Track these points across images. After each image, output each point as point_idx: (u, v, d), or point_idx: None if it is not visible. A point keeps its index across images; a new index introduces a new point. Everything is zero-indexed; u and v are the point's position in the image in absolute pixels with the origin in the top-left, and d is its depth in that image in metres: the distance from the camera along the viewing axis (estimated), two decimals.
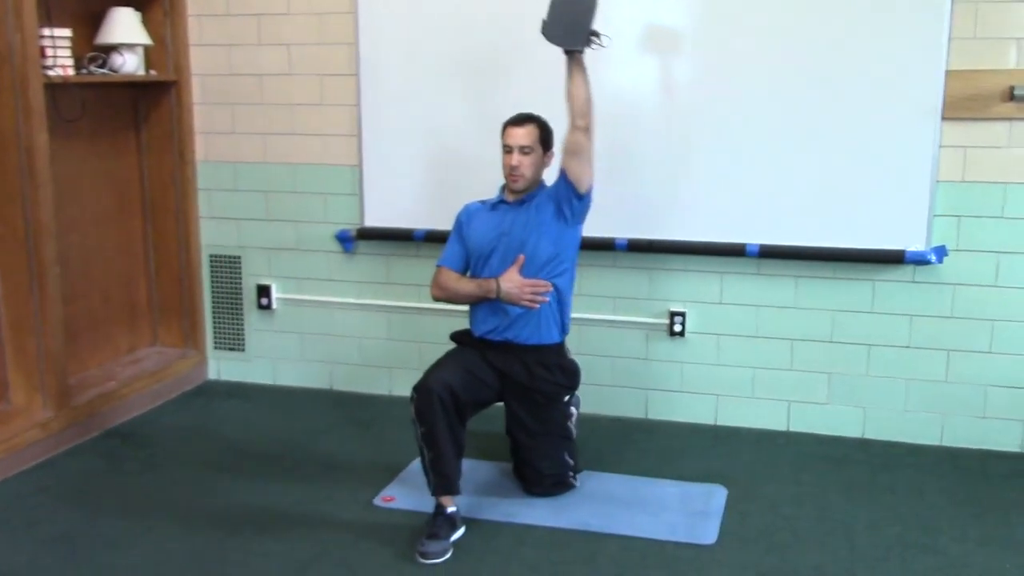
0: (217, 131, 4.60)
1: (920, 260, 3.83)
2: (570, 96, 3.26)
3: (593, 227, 3.98)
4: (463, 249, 3.47)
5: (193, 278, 4.72)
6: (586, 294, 4.24)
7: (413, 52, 4.24)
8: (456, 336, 3.52)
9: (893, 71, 3.75)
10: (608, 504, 3.44)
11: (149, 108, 4.58)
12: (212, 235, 4.71)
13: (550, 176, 3.48)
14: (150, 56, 4.45)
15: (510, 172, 3.35)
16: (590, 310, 4.26)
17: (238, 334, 4.77)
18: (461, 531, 3.17)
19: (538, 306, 3.33)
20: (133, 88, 4.53)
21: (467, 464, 3.66)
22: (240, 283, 4.73)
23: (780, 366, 4.12)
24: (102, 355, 4.51)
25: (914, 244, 3.84)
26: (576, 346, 4.22)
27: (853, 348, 4.03)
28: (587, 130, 3.25)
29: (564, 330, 3.46)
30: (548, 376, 3.38)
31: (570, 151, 3.29)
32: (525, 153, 3.32)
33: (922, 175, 3.79)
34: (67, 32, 3.87)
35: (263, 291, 4.68)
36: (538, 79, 4.00)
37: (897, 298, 3.94)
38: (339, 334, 4.63)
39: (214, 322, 4.80)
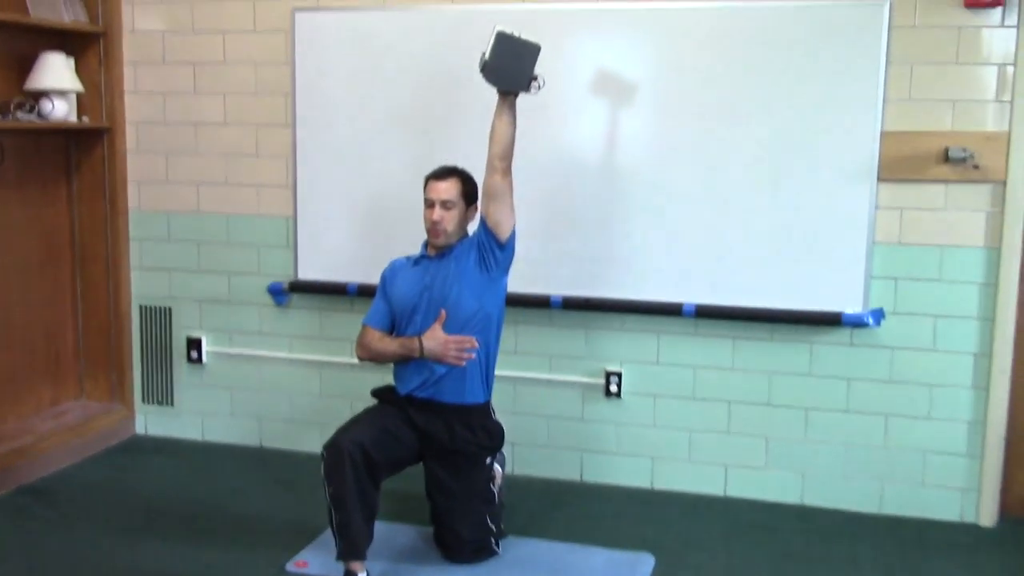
0: (151, 180, 4.51)
1: (857, 323, 3.76)
2: (495, 135, 3.20)
3: (528, 283, 3.96)
4: (388, 307, 3.37)
5: (122, 330, 4.59)
6: (521, 352, 4.15)
7: (349, 104, 4.17)
8: (377, 393, 3.41)
9: (828, 132, 3.71)
10: (530, 572, 3.31)
11: (81, 155, 4.49)
12: (143, 286, 4.60)
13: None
14: (83, 102, 4.37)
15: (432, 227, 3.27)
16: (525, 368, 4.16)
17: (167, 388, 4.64)
18: None
19: (464, 363, 3.22)
20: (65, 135, 4.44)
21: (386, 527, 3.55)
22: (170, 336, 4.60)
23: (717, 429, 4.02)
24: (23, 408, 4.36)
25: (851, 306, 3.77)
26: (511, 405, 4.15)
27: (791, 411, 3.93)
28: (506, 171, 3.20)
29: (489, 389, 3.35)
30: (471, 437, 3.26)
31: (489, 194, 3.22)
32: (447, 208, 3.25)
33: (859, 237, 3.74)
34: None
35: (193, 344, 4.55)
36: (474, 135, 3.94)
37: (835, 361, 3.86)
38: (270, 389, 4.50)
39: (143, 375, 4.66)
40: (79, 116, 4.34)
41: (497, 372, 4.04)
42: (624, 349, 4.06)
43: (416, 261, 3.38)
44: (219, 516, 3.76)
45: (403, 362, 3.31)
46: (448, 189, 3.26)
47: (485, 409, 3.35)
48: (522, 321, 4.11)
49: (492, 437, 3.33)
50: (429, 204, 3.28)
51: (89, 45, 4.37)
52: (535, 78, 3.24)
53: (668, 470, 4.09)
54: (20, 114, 4.03)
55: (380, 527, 3.56)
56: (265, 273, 4.42)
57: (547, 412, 4.18)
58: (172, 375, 4.62)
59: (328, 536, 3.46)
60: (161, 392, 4.65)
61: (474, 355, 3.24)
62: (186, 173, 4.46)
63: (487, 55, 3.21)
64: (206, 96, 4.38)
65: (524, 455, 4.21)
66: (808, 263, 3.79)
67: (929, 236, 3.71)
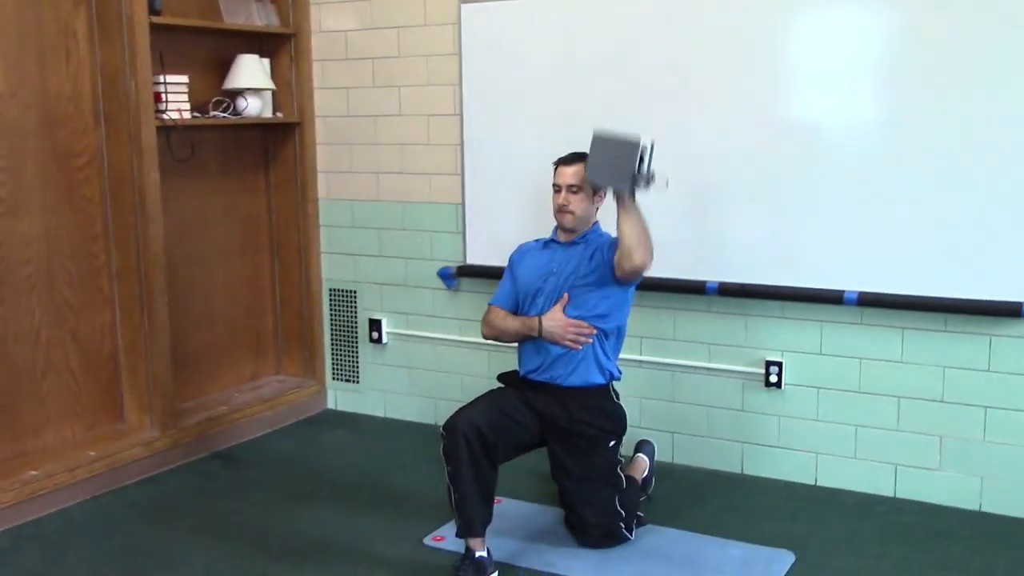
0: (337, 170, 4.80)
1: None
2: (619, 235, 3.13)
3: (683, 269, 3.93)
4: (514, 288, 3.43)
5: (313, 311, 4.92)
6: (680, 339, 4.08)
7: (514, 92, 4.24)
8: (502, 377, 3.47)
9: (1006, 102, 3.37)
10: (659, 562, 3.26)
11: (276, 148, 4.84)
12: (332, 270, 4.90)
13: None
14: (278, 99, 4.71)
15: (559, 210, 3.30)
16: (684, 356, 4.08)
17: (353, 366, 4.92)
18: None
19: (580, 347, 3.22)
20: (263, 129, 4.80)
21: (529, 507, 3.64)
22: (356, 317, 4.88)
23: (886, 425, 3.76)
24: (225, 381, 4.77)
25: None
26: (670, 393, 4.11)
27: (968, 410, 3.62)
28: (636, 270, 3.14)
29: (610, 375, 3.33)
30: (588, 419, 3.25)
31: (619, 264, 3.16)
32: (573, 192, 3.26)
33: None
34: (183, 79, 4.16)
35: (374, 325, 4.80)
36: (639, 120, 3.91)
37: (1018, 356, 3.51)
38: (443, 370, 4.67)
39: (332, 354, 4.97)
40: (274, 111, 4.68)
41: (655, 359, 4.11)
42: (785, 338, 3.89)
43: (545, 244, 3.42)
44: (380, 488, 3.96)
45: (523, 343, 3.35)
46: (575, 174, 3.27)
47: (604, 392, 3.33)
48: (681, 307, 4.03)
49: (611, 420, 3.30)
50: (556, 189, 3.31)
51: (281, 46, 4.70)
52: (642, 175, 3.08)
53: (833, 466, 3.88)
54: (216, 112, 4.40)
55: (521, 507, 3.68)
56: (437, 258, 4.58)
57: (706, 401, 4.08)
58: (357, 354, 4.90)
59: None
60: (348, 370, 4.94)
61: (591, 340, 3.23)
62: (367, 163, 4.70)
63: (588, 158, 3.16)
64: (383, 89, 4.60)
65: (684, 444, 4.13)
66: (985, 248, 3.47)
67: None
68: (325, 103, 4.77)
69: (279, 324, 5.00)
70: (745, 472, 4.04)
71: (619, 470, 3.32)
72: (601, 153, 3.12)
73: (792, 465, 3.95)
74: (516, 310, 3.42)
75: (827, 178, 3.68)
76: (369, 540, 3.47)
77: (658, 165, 3.73)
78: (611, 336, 3.31)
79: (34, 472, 3.71)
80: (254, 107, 4.51)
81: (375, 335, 4.81)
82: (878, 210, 3.61)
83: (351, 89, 4.69)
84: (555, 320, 3.23)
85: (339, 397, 5.00)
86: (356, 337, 4.89)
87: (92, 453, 3.92)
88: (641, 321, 4.11)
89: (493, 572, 3.11)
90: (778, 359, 3.90)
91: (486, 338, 3.50)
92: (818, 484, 3.91)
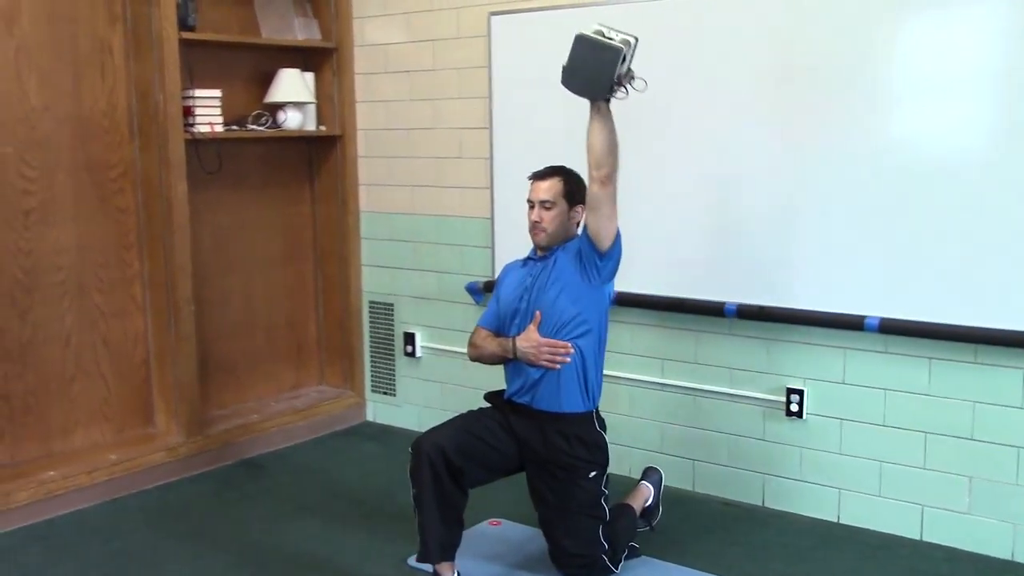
0: (376, 183, 4.81)
1: None
2: (587, 145, 2.99)
3: (700, 288, 3.79)
4: (497, 308, 3.33)
5: (353, 322, 4.94)
6: (702, 362, 3.90)
7: (541, 105, 4.14)
8: (488, 396, 3.37)
9: None
10: None
11: (320, 161, 4.90)
12: (371, 282, 4.92)
13: None
14: (321, 112, 4.76)
15: (532, 227, 3.18)
16: (706, 380, 3.90)
17: (390, 379, 4.92)
18: None
19: (558, 367, 3.09)
20: (307, 142, 4.87)
21: (528, 532, 3.54)
22: (393, 329, 4.87)
23: (912, 463, 3.49)
24: (264, 389, 4.85)
25: None
26: (692, 418, 3.95)
27: (1000, 449, 3.32)
28: (604, 181, 2.96)
29: (591, 399, 3.18)
30: (565, 447, 3.11)
31: (588, 205, 3.05)
32: (547, 208, 3.14)
33: None
34: (215, 93, 4.24)
35: (408, 338, 4.79)
36: (659, 134, 3.78)
37: None
38: (472, 386, 4.58)
39: (371, 366, 4.98)
40: (317, 125, 4.74)
41: (676, 382, 3.94)
42: (806, 365, 3.66)
43: (524, 262, 3.31)
44: (382, 505, 3.91)
45: (506, 364, 3.25)
46: (548, 189, 3.15)
47: (585, 419, 3.16)
48: (701, 330, 3.86)
49: (589, 450, 3.13)
50: (530, 205, 3.19)
51: (324, 59, 4.75)
52: (620, 82, 2.92)
53: (856, 504, 3.62)
54: (255, 126, 4.48)
55: (520, 531, 3.60)
56: (467, 272, 4.53)
57: (728, 428, 3.88)
58: (395, 367, 4.89)
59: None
60: (386, 382, 4.94)
61: (569, 360, 3.09)
62: (404, 176, 4.70)
63: (566, 60, 2.96)
64: (419, 103, 4.59)
65: (706, 472, 3.95)
66: (1018, 274, 3.18)
67: None
68: (366, 116, 4.79)
69: (321, 334, 5.05)
70: (767, 505, 3.83)
71: (603, 501, 3.16)
72: (580, 57, 2.93)
73: (814, 500, 3.71)
74: (500, 330, 3.32)
75: (846, 197, 3.46)
76: (354, 557, 3.44)
77: (678, 180, 3.58)
78: (592, 355, 3.15)
79: (52, 473, 3.84)
80: (295, 120, 4.58)
81: (409, 348, 4.80)
82: (902, 232, 3.37)
83: (391, 102, 4.70)
84: (529, 341, 3.11)
85: (377, 410, 5.01)
86: (393, 350, 4.89)
87: (113, 456, 4.03)
88: (663, 342, 3.97)
89: None
90: (800, 387, 3.68)
91: (472, 359, 3.41)
92: (840, 522, 3.66)
